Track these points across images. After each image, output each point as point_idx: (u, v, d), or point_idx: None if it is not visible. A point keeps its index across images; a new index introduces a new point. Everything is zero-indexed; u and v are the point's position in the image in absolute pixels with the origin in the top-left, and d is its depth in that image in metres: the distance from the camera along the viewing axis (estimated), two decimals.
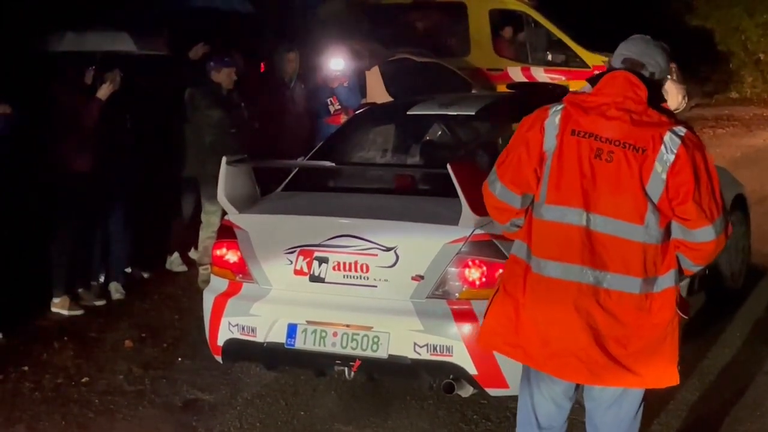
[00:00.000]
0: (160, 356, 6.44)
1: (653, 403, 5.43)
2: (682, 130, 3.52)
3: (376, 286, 4.93)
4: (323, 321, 5.00)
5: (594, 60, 14.91)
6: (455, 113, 6.33)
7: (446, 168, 4.70)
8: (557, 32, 15.05)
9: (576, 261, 3.58)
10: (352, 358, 4.92)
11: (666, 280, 3.63)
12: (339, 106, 9.50)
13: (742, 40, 22.59)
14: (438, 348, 4.78)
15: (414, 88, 11.13)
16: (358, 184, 5.87)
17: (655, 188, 3.49)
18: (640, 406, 3.90)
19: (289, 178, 5.95)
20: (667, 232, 3.59)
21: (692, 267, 3.70)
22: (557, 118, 3.62)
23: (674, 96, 18.27)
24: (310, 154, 6.23)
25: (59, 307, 7.26)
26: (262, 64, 10.68)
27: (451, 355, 4.76)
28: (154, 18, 9.72)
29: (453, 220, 4.81)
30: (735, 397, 5.52)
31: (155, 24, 9.13)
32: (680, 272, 3.69)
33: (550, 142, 3.61)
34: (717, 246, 3.60)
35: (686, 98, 18.83)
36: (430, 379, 4.92)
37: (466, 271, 4.80)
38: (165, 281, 8.23)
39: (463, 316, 4.77)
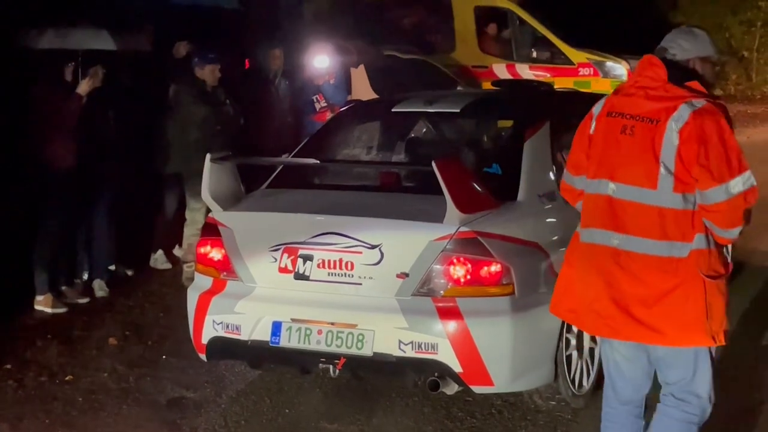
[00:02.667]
0: (145, 354, 6.42)
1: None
2: (701, 102, 3.73)
3: (360, 284, 4.92)
4: (308, 319, 4.99)
5: (578, 57, 14.94)
6: (440, 110, 6.32)
7: (431, 165, 4.68)
8: (542, 29, 15.07)
9: (600, 226, 3.93)
10: (337, 356, 4.91)
11: (693, 245, 3.78)
12: (325, 104, 9.48)
13: (726, 37, 22.69)
14: (423, 345, 4.77)
15: (399, 85, 11.14)
16: (343, 182, 5.85)
17: (668, 155, 3.73)
18: (700, 367, 3.93)
19: (274, 175, 5.93)
20: (689, 198, 3.76)
21: (719, 232, 3.80)
22: (602, 103, 4.01)
23: None
24: (295, 151, 6.22)
25: (42, 304, 7.23)
26: (246, 61, 10.65)
27: (436, 353, 4.75)
28: (138, 14, 9.68)
29: (438, 217, 4.79)
30: (721, 392, 5.53)
31: (139, 20, 9.09)
32: (708, 237, 3.80)
33: (593, 125, 4.00)
34: (730, 207, 3.72)
35: None
36: (415, 376, 4.91)
37: (451, 268, 4.79)
38: (149, 279, 8.21)
39: (448, 313, 4.76)
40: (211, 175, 5.32)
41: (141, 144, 7.96)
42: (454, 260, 4.79)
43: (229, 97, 8.25)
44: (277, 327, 5.03)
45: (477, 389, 4.90)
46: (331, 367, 4.95)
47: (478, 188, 5.00)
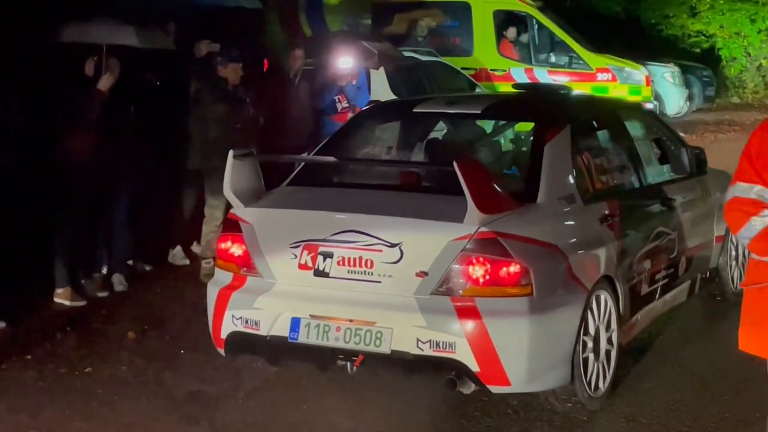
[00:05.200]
0: (163, 348, 6.46)
1: (654, 403, 5.48)
2: None
3: (380, 282, 4.95)
4: (327, 315, 5.03)
5: (597, 62, 14.98)
6: (461, 112, 6.35)
7: (452, 165, 4.71)
8: (561, 34, 15.13)
9: None
10: (355, 353, 4.95)
11: None
12: (347, 104, 9.51)
13: (744, 45, 22.68)
14: (441, 344, 4.80)
15: (418, 88, 11.19)
16: (364, 180, 5.88)
17: None
18: None
19: (295, 173, 5.97)
20: None
21: None
22: None
23: (675, 100, 18.43)
24: (315, 150, 6.26)
25: (62, 297, 7.28)
26: (265, 61, 10.69)
27: (454, 352, 4.79)
28: (161, 12, 9.74)
29: (458, 217, 4.82)
30: (734, 399, 5.56)
31: (161, 18, 9.15)
32: None
33: None
34: None
35: (688, 102, 18.94)
36: (432, 375, 4.94)
37: (471, 268, 4.82)
38: (167, 274, 8.25)
39: (466, 313, 4.79)
40: (234, 171, 5.36)
41: (161, 140, 8.00)
42: (474, 260, 4.82)
43: (249, 95, 8.30)
44: (296, 323, 5.07)
45: (494, 389, 4.93)
46: (348, 364, 5.00)
47: (499, 189, 5.03)
